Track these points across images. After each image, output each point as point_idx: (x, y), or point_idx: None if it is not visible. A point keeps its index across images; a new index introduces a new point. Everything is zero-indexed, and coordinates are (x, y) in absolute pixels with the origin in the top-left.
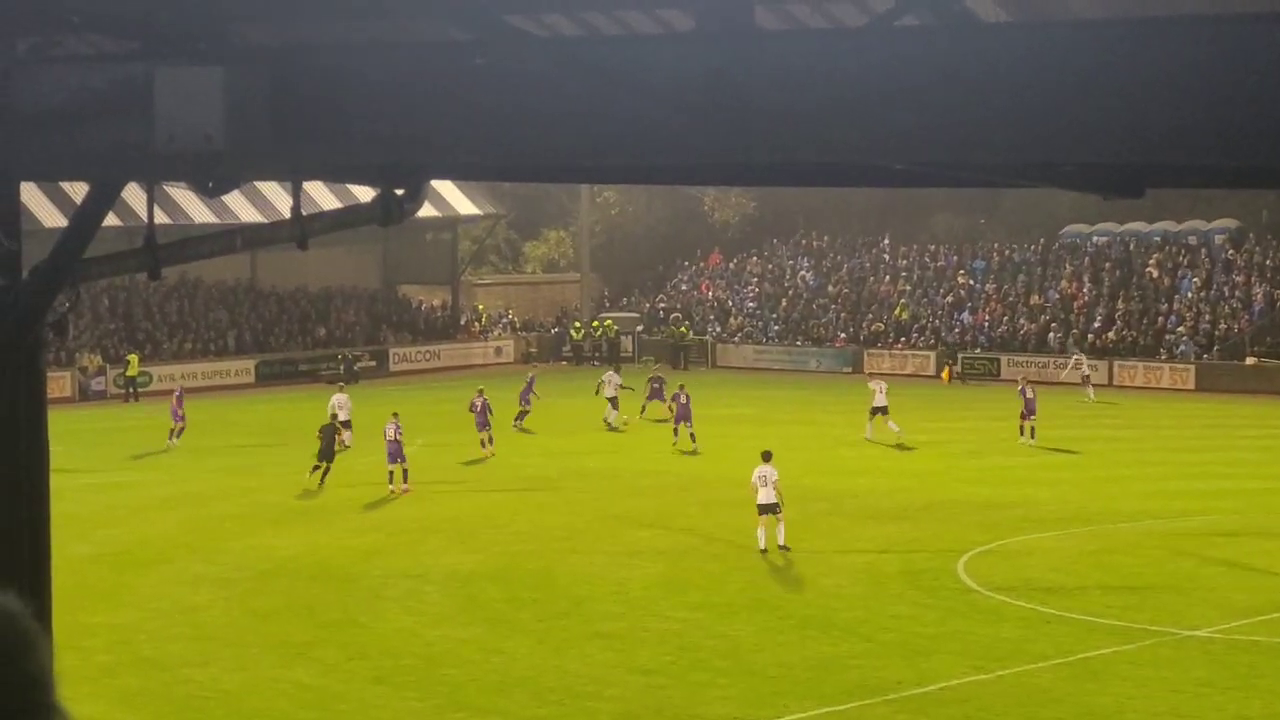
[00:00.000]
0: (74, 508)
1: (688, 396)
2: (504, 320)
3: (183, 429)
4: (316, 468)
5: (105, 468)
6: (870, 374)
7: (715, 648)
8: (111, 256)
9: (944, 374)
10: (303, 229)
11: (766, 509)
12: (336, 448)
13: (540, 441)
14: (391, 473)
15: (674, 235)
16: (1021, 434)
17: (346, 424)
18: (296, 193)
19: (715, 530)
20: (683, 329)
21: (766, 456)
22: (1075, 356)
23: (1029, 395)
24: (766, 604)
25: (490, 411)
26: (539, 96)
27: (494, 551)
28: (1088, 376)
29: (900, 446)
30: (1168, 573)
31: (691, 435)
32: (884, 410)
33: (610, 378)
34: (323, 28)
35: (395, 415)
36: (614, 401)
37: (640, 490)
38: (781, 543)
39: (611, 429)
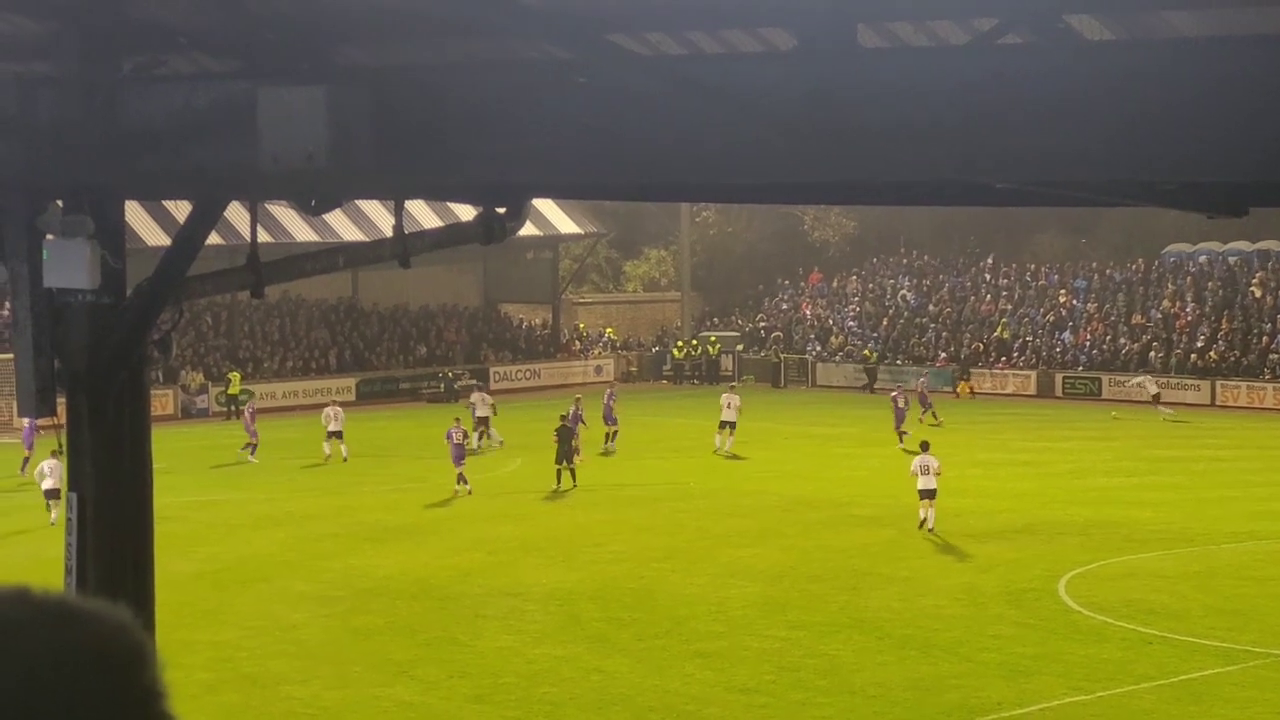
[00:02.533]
0: (175, 525)
1: (610, 396)
2: (603, 339)
3: (255, 445)
4: (559, 470)
5: (206, 485)
6: (730, 388)
7: (815, 667)
8: (215, 274)
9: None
10: (405, 247)
11: (926, 494)
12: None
13: (639, 461)
14: (460, 474)
15: (774, 254)
16: (900, 441)
17: (484, 420)
18: (399, 211)
19: (814, 550)
20: (866, 352)
21: (925, 446)
22: (1141, 378)
23: (901, 405)
24: (866, 623)
25: (582, 421)
26: (641, 115)
27: (593, 570)
28: (1157, 395)
29: (735, 457)
30: (1272, 594)
31: (611, 435)
32: (731, 425)
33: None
34: (425, 47)
35: (458, 420)
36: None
37: (740, 510)
38: (931, 526)
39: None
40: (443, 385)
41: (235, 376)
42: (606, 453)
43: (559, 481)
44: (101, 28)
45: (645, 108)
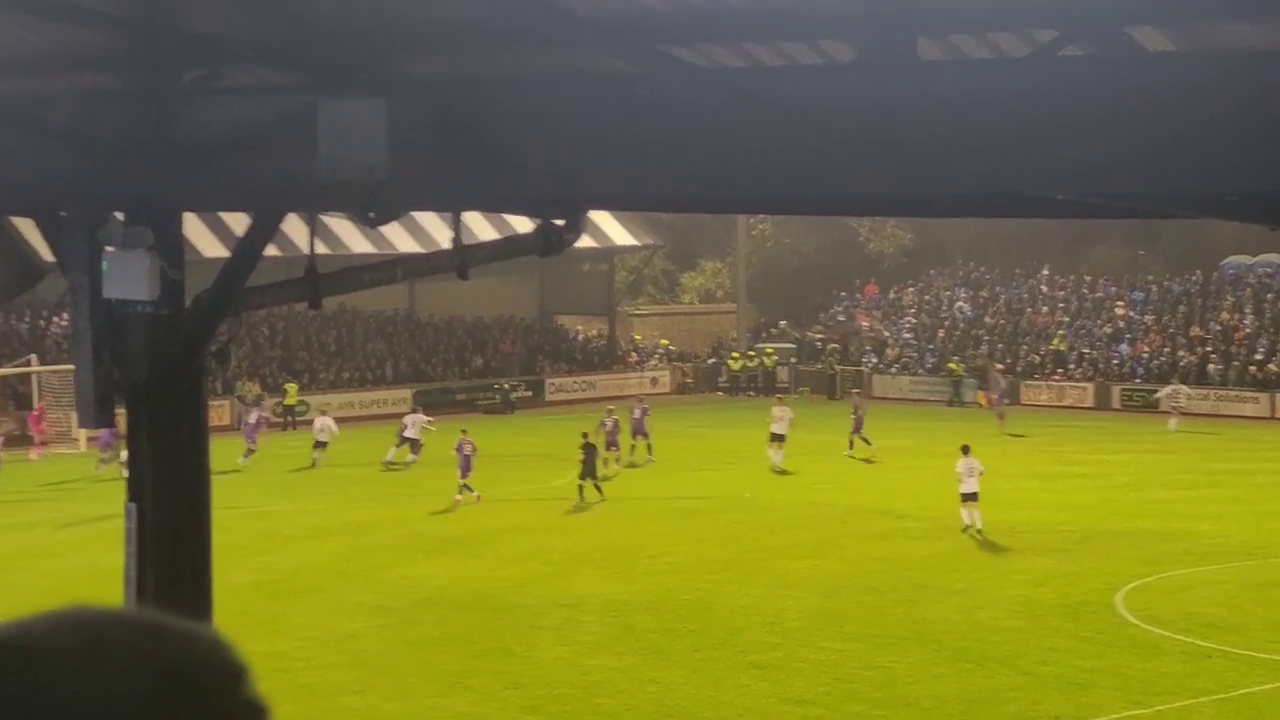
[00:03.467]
0: (231, 535)
1: (643, 411)
2: (659, 351)
3: (251, 451)
4: (581, 486)
5: (262, 496)
6: (779, 400)
7: (870, 679)
8: (273, 286)
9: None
10: (463, 259)
11: (970, 497)
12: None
13: (695, 472)
14: (463, 485)
15: (830, 266)
16: (850, 447)
17: (414, 442)
18: (457, 223)
19: (870, 562)
20: (952, 364)
21: (966, 450)
22: (1172, 388)
23: (859, 413)
24: (922, 636)
25: (619, 431)
26: (699, 127)
27: (649, 582)
28: (1176, 408)
29: (784, 472)
30: None
31: (648, 447)
32: (779, 439)
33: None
34: (484, 60)
35: (465, 431)
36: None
37: (795, 522)
38: (979, 527)
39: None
40: (499, 397)
41: (292, 387)
42: (631, 465)
43: (581, 496)
44: (162, 40)
45: (704, 120)
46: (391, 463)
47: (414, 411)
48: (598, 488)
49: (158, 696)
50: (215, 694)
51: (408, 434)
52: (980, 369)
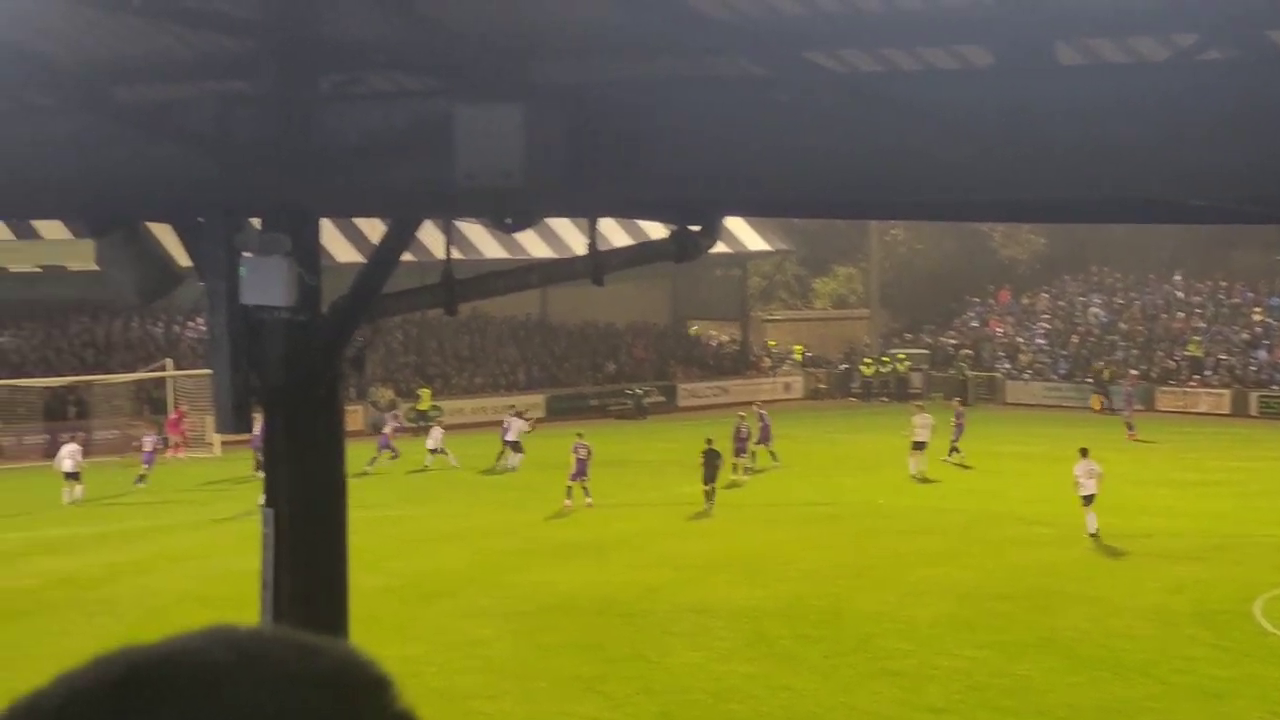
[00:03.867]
0: (364, 539)
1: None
2: (789, 357)
3: (375, 460)
4: (708, 492)
5: (391, 500)
6: (919, 408)
7: (1004, 687)
8: (409, 292)
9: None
10: (598, 265)
11: (1090, 499)
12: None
13: (828, 478)
14: (570, 488)
15: (963, 271)
16: (953, 453)
17: (516, 445)
18: (592, 229)
19: (1002, 569)
20: (1101, 369)
21: (1085, 452)
22: None
23: (960, 423)
24: (1055, 644)
25: (749, 438)
26: (835, 133)
27: (781, 588)
28: None
29: (926, 480)
30: None
31: (771, 454)
32: (921, 446)
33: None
34: (621, 65)
35: (580, 435)
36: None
37: (927, 528)
38: (1095, 529)
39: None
40: (631, 402)
41: (425, 392)
42: (752, 470)
43: (708, 502)
44: (299, 46)
45: (839, 125)
46: (504, 466)
47: (515, 415)
48: (714, 492)
49: (310, 710)
50: (365, 706)
51: (509, 437)
52: (1109, 376)
